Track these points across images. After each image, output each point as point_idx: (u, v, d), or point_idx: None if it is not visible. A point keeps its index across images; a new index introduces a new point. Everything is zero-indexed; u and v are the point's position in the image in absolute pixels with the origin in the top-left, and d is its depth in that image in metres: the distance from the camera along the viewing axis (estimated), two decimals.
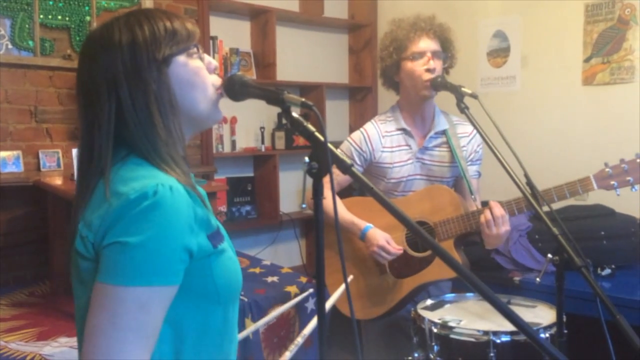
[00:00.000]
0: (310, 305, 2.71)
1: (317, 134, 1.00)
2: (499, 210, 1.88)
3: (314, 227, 1.00)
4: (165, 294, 0.92)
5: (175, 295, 0.95)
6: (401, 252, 2.05)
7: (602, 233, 2.69)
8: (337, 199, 2.17)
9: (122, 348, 0.88)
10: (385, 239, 2.05)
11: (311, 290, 1.30)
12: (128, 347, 0.89)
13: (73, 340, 2.10)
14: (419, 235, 0.97)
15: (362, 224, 2.10)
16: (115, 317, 0.89)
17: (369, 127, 2.20)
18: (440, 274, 2.04)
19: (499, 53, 3.71)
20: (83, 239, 0.94)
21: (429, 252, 2.06)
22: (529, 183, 1.64)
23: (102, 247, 0.91)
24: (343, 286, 1.55)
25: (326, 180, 1.00)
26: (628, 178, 1.76)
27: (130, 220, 0.90)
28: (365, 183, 0.99)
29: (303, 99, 1.01)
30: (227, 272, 1.03)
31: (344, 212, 2.15)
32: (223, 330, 1.06)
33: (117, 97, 0.98)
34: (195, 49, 1.07)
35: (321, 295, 1.04)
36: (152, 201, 0.90)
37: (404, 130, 2.17)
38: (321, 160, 0.98)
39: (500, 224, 1.87)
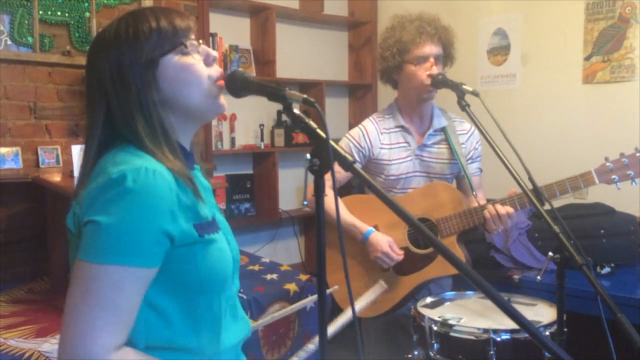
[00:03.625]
0: (310, 303, 2.70)
1: (318, 130, 0.99)
2: (501, 209, 1.91)
3: (315, 224, 0.99)
4: (140, 275, 0.94)
5: (155, 280, 0.97)
6: (402, 257, 2.06)
7: (602, 231, 2.69)
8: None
9: (92, 324, 0.90)
10: (389, 244, 2.05)
11: (315, 297, 1.28)
12: (98, 323, 0.90)
13: None
14: (421, 232, 0.97)
15: (364, 227, 2.09)
16: (87, 293, 0.91)
17: (367, 123, 2.20)
18: (443, 270, 2.04)
19: (499, 51, 3.70)
20: (75, 215, 0.98)
21: (431, 249, 2.06)
22: (531, 180, 1.64)
23: (83, 224, 0.95)
24: (348, 313, 1.54)
25: (327, 177, 0.99)
26: (628, 172, 1.78)
27: (107, 200, 0.93)
28: (367, 180, 0.98)
29: (305, 96, 1.00)
30: (213, 262, 1.05)
31: (346, 213, 2.14)
32: (210, 321, 1.07)
33: (106, 98, 1.03)
34: (183, 47, 1.06)
35: (322, 293, 1.04)
36: (131, 183, 0.92)
37: (402, 127, 2.17)
38: (323, 157, 0.97)
39: (505, 221, 1.92)
